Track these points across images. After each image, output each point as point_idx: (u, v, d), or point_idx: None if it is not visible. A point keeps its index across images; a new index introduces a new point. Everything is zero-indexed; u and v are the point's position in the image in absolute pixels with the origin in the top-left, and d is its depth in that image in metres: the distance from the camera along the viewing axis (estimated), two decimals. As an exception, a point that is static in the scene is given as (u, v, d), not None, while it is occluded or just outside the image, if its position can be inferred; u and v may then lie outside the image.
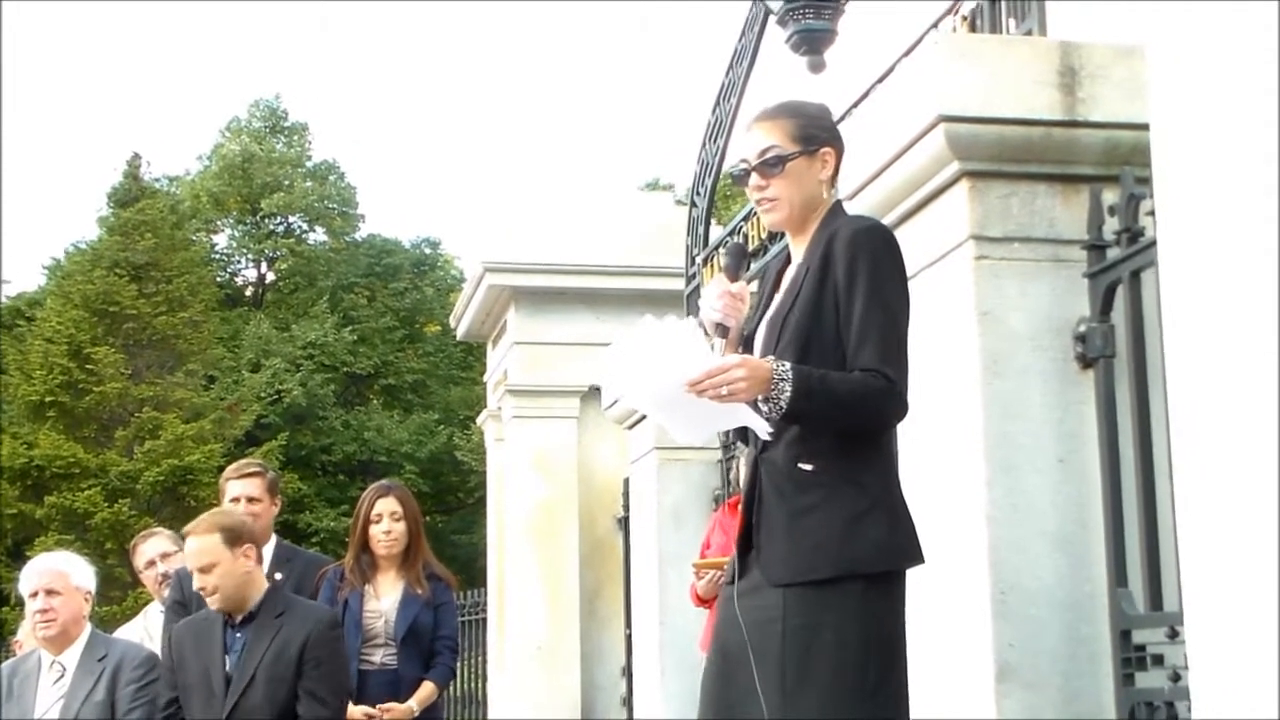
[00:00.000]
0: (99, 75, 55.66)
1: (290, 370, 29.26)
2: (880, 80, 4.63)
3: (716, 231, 6.74)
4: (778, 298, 3.15)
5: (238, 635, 4.69)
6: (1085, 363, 3.38)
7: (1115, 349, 3.32)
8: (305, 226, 34.37)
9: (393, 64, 57.47)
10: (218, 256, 33.69)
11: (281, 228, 34.02)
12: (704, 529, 5.76)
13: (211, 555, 4.63)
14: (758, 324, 3.15)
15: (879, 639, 2.92)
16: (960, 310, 3.40)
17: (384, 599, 5.24)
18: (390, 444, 29.78)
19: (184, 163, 41.76)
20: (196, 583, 4.73)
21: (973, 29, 4.24)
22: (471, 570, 21.05)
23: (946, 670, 3.43)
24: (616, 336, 2.92)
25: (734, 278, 3.19)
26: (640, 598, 6.60)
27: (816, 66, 5.17)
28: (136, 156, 25.45)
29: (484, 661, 9.87)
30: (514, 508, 8.47)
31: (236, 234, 34.21)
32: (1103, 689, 3.25)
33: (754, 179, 3.11)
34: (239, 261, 34.85)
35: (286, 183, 33.38)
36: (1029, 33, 3.93)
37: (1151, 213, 3.10)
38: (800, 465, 2.95)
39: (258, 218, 33.65)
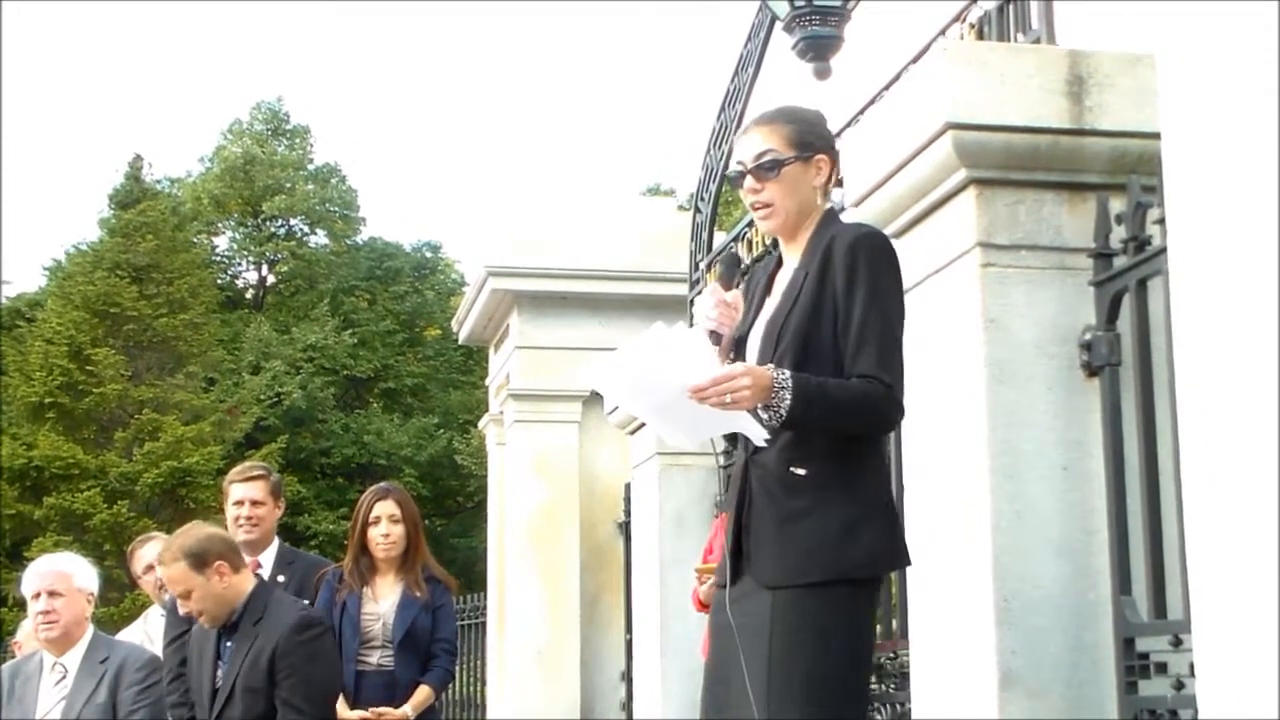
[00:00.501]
0: (101, 76, 55.68)
1: (290, 373, 29.26)
2: (887, 87, 4.64)
3: (720, 237, 6.74)
4: (771, 301, 3.16)
5: (228, 645, 4.68)
6: (1091, 371, 3.38)
7: (1121, 357, 3.32)
8: (306, 229, 34.38)
9: (395, 67, 57.49)
10: (219, 259, 33.70)
11: (283, 230, 34.03)
12: (705, 534, 5.76)
13: (183, 583, 4.58)
14: (750, 328, 3.17)
15: (863, 645, 2.99)
16: (966, 317, 3.41)
17: (382, 601, 5.24)
18: (390, 447, 29.77)
19: (185, 165, 41.75)
20: (180, 608, 4.73)
21: (980, 36, 4.24)
22: (471, 574, 21.03)
23: (950, 676, 3.43)
24: (619, 341, 2.94)
25: (729, 286, 3.22)
26: (641, 603, 6.60)
27: (823, 73, 5.17)
28: (138, 158, 25.51)
29: (483, 665, 9.86)
30: (515, 512, 8.47)
31: (237, 236, 34.23)
32: (1106, 697, 3.25)
33: (749, 182, 3.14)
34: (240, 264, 34.87)
35: (288, 185, 33.39)
36: (1037, 41, 3.93)
37: (1158, 221, 3.11)
38: (793, 470, 2.98)
39: (259, 220, 33.66)
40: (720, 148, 6.49)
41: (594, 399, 8.04)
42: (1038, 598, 3.28)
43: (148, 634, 5.87)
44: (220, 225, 33.99)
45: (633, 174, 46.93)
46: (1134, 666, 3.19)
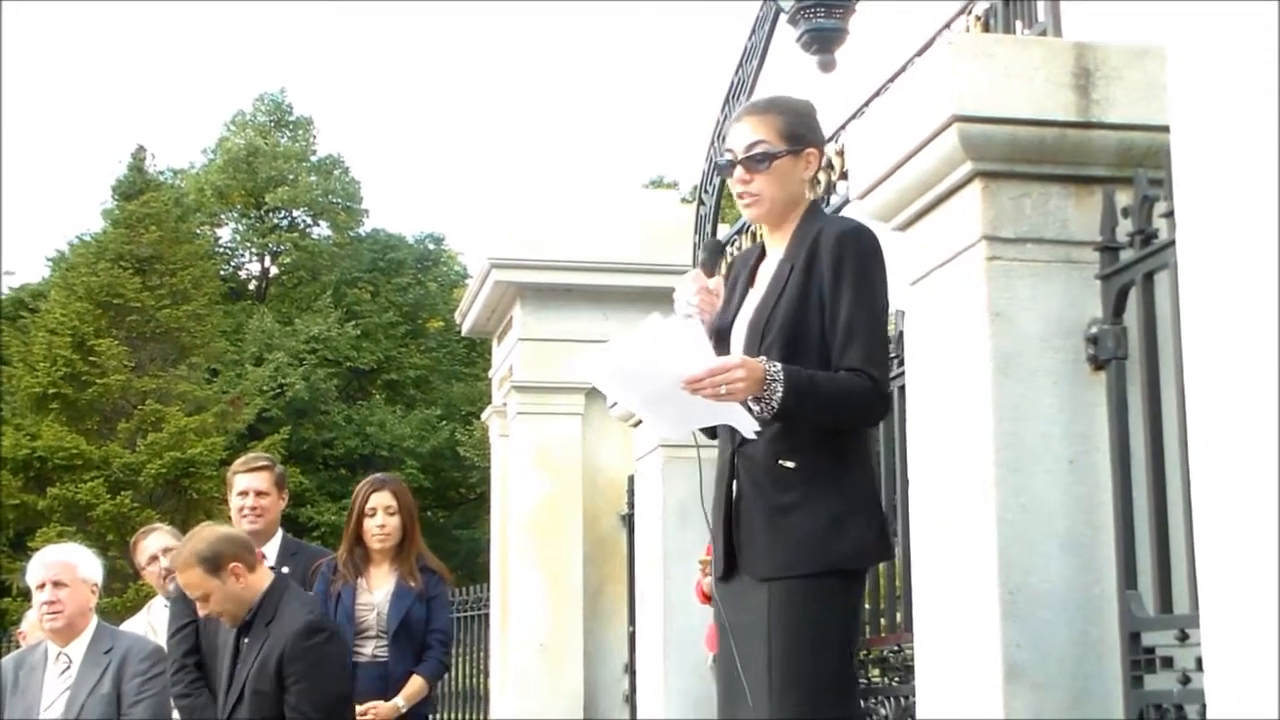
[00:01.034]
0: (104, 68, 55.66)
1: (293, 364, 29.30)
2: (893, 80, 4.62)
3: (724, 230, 6.73)
4: (755, 293, 3.17)
5: (245, 641, 4.66)
6: (1097, 364, 3.37)
7: (1127, 351, 3.31)
8: (309, 221, 34.40)
9: (398, 60, 57.46)
10: (221, 250, 33.73)
11: (285, 222, 34.04)
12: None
13: (200, 587, 4.54)
14: (733, 318, 3.17)
15: (853, 636, 3.07)
16: (972, 311, 3.39)
17: (377, 592, 5.24)
18: (392, 439, 29.82)
19: (189, 156, 41.69)
20: (200, 612, 4.70)
21: (986, 29, 4.23)
22: (473, 566, 21.07)
23: (954, 670, 3.43)
24: (621, 334, 2.94)
25: (711, 273, 3.23)
26: (644, 595, 6.60)
27: (827, 66, 5.15)
28: (141, 149, 25.53)
29: (486, 658, 9.86)
30: (517, 504, 8.47)
31: (240, 228, 34.25)
32: (1111, 691, 3.25)
33: (739, 172, 3.15)
34: (243, 255, 34.90)
35: (291, 177, 33.40)
36: (1043, 33, 3.91)
37: (1165, 215, 3.10)
38: (782, 462, 3.00)
39: (262, 212, 33.68)
40: (724, 141, 6.47)
41: (597, 391, 8.04)
42: (1043, 591, 3.27)
43: (151, 625, 5.87)
44: (223, 217, 34.02)
45: (636, 166, 46.93)
46: (1139, 661, 3.18)
